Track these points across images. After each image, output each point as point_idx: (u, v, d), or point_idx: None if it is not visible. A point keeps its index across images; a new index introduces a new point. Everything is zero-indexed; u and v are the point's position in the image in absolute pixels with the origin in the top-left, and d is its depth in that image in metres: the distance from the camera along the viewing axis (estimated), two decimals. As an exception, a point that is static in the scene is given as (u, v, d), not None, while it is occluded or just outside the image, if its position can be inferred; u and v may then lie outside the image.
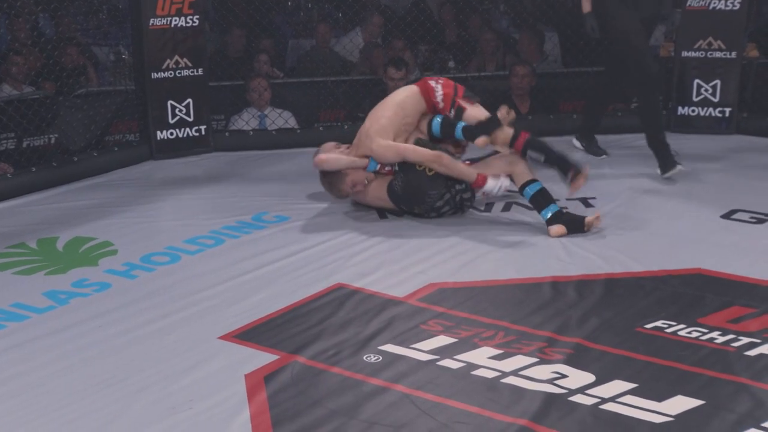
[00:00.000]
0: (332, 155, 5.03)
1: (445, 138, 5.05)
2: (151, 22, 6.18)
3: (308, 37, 8.28)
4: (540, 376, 3.30)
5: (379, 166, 5.02)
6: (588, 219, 4.77)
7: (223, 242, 4.76)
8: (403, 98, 5.07)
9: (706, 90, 6.77)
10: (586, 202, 5.29)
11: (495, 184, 4.87)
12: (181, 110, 6.42)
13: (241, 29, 7.70)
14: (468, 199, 5.03)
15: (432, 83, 5.09)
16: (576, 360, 3.41)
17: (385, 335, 3.65)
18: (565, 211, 4.92)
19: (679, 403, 3.11)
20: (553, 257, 4.46)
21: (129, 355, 3.55)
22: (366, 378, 3.32)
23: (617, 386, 3.22)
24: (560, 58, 7.85)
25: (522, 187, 4.88)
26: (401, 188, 4.97)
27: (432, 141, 5.04)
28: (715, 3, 6.61)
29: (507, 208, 5.24)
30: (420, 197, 4.94)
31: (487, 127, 4.89)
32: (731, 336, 3.59)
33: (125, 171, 6.19)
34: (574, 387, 3.22)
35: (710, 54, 6.71)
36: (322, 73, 7.42)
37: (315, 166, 5.06)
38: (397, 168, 5.03)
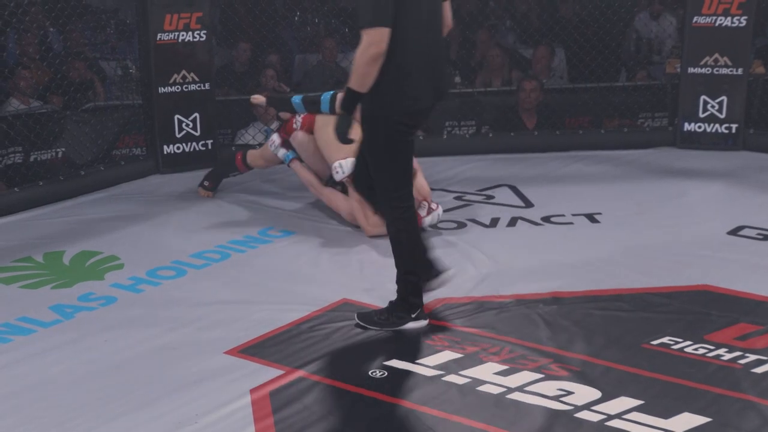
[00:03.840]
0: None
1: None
2: (159, 36, 6.21)
3: (315, 52, 8.30)
4: (546, 392, 3.29)
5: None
6: None
7: (229, 257, 4.76)
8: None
9: (713, 106, 6.77)
10: (592, 217, 5.29)
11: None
12: (187, 124, 6.44)
13: (247, 43, 7.73)
14: None
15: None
16: (582, 376, 3.41)
17: (391, 350, 3.64)
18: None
19: (686, 421, 3.10)
20: (559, 273, 4.45)
21: (134, 370, 3.56)
22: (371, 393, 3.31)
23: (623, 403, 3.21)
24: (566, 73, 7.86)
25: None
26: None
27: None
28: (721, 20, 6.62)
29: (512, 223, 5.24)
30: None
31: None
32: (738, 353, 3.58)
33: (132, 185, 6.20)
34: (580, 403, 3.21)
35: (716, 70, 6.71)
36: (329, 88, 7.43)
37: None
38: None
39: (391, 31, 3.51)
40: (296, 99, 5.13)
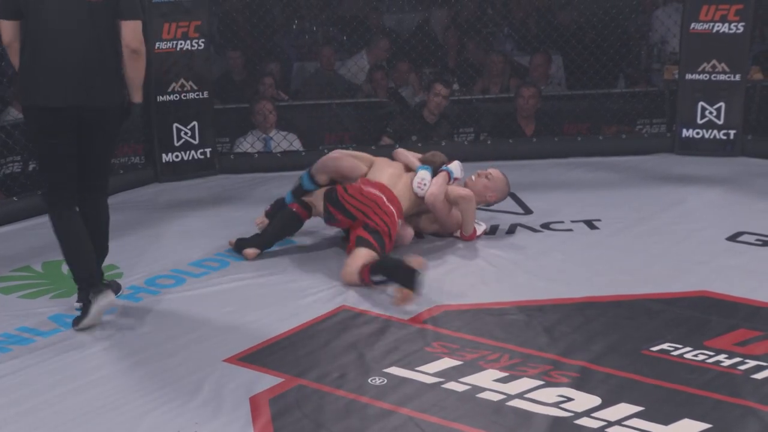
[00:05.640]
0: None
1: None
2: (157, 45, 6.21)
3: (313, 60, 8.32)
4: (546, 399, 3.29)
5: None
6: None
7: (228, 265, 4.76)
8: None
9: (711, 112, 6.78)
10: (591, 224, 5.29)
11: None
12: (186, 133, 6.44)
13: (236, 51, 7.74)
14: None
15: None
16: (582, 383, 3.40)
17: (390, 358, 3.64)
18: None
19: (686, 427, 3.09)
20: (559, 280, 4.45)
21: (134, 378, 3.55)
22: (371, 401, 3.31)
23: (623, 409, 3.21)
24: (564, 80, 7.87)
25: None
26: None
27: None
28: (718, 26, 6.63)
29: (512, 230, 5.24)
30: None
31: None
32: (738, 359, 3.57)
33: (130, 193, 6.20)
34: (580, 410, 3.21)
35: (714, 77, 6.73)
36: (327, 96, 7.44)
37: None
38: None
39: (18, 24, 3.81)
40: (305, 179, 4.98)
